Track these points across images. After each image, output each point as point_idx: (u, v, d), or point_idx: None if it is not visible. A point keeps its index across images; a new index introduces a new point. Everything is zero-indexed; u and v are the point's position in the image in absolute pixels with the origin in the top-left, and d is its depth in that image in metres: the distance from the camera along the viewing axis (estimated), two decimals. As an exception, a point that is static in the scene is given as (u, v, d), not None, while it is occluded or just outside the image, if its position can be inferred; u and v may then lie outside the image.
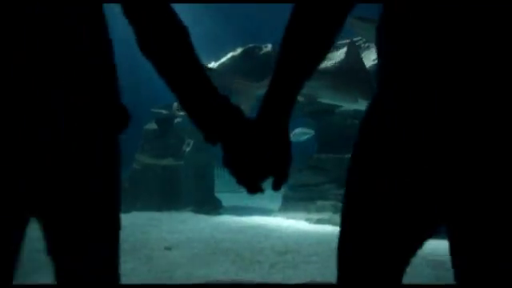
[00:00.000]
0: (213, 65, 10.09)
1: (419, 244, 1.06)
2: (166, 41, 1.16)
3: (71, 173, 1.11)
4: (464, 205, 0.93)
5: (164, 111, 9.91)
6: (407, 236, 1.04)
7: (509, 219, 0.88)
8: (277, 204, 9.29)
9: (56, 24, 1.05)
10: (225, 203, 10.03)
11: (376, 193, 1.04)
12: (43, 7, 1.03)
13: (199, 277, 4.05)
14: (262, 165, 1.10)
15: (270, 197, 10.61)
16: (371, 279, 1.06)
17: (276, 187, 1.13)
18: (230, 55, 10.09)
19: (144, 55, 1.20)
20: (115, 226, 1.26)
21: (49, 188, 1.10)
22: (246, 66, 8.82)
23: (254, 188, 1.12)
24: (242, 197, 11.01)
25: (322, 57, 1.10)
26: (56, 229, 1.17)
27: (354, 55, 8.11)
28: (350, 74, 7.66)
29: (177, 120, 9.55)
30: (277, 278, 4.10)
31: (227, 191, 10.07)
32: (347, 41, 8.53)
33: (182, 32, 1.19)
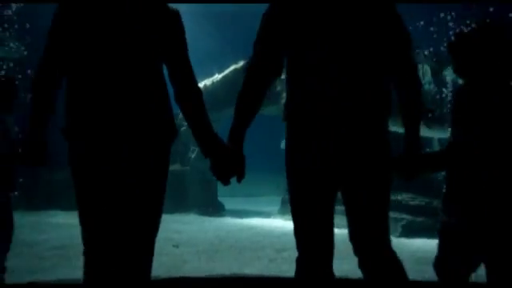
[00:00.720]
0: (216, 77, 10.26)
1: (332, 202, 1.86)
2: (188, 99, 1.96)
3: (145, 170, 1.83)
4: (347, 183, 1.80)
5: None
6: (324, 197, 1.84)
7: (366, 188, 1.77)
8: (275, 208, 9.49)
9: (143, 75, 1.84)
10: (227, 207, 10.26)
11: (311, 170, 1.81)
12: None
13: (205, 271, 4.23)
14: (228, 169, 1.86)
15: (269, 201, 10.93)
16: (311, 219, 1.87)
17: (238, 181, 1.88)
18: (232, 68, 10.25)
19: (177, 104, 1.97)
20: (160, 213, 1.88)
21: (130, 179, 1.82)
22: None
23: (226, 182, 1.89)
24: (242, 201, 11.24)
25: (257, 112, 1.90)
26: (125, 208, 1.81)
27: None
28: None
29: (183, 128, 9.77)
30: (275, 272, 4.26)
31: (229, 196, 10.38)
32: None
33: (198, 93, 1.97)
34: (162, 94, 1.89)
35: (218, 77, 10.36)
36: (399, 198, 7.19)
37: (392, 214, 6.21)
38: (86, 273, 1.75)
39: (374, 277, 1.80)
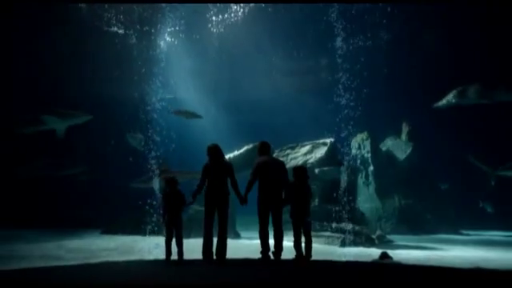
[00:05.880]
0: (235, 152, 13.72)
1: (269, 213, 7.33)
2: (233, 186, 7.43)
3: (224, 200, 6.76)
4: (273, 209, 7.27)
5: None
6: (268, 212, 7.13)
7: (278, 212, 7.32)
8: (273, 234, 13.13)
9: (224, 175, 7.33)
10: (243, 235, 13.98)
11: (264, 207, 7.14)
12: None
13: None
14: (242, 202, 7.30)
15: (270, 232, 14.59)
16: (264, 220, 7.24)
17: (245, 204, 7.33)
18: (245, 148, 13.67)
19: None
20: (228, 215, 6.90)
21: (220, 202, 7.01)
22: (254, 155, 12.62)
23: (242, 204, 7.33)
24: (252, 232, 14.87)
25: (252, 188, 7.27)
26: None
27: None
28: None
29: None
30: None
31: (243, 230, 14.28)
32: (313, 142, 12.57)
33: (236, 184, 7.38)
34: (227, 185, 7.16)
35: (236, 153, 13.77)
36: (340, 226, 11.07)
37: (335, 234, 11.88)
38: (204, 234, 6.42)
39: (274, 234, 6.96)
